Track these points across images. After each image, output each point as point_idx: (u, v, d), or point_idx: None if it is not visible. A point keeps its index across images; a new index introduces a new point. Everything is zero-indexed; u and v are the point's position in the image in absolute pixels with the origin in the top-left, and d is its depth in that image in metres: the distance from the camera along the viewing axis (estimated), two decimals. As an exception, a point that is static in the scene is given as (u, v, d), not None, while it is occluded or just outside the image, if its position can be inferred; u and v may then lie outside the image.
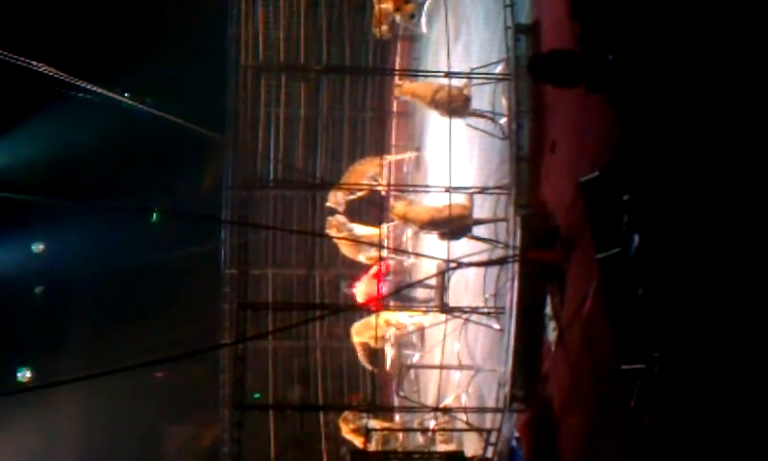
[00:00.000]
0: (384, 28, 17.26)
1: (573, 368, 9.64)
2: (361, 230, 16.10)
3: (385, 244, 15.71)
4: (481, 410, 12.08)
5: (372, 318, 14.60)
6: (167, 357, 10.00)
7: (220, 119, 18.88)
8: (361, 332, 15.20)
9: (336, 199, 15.97)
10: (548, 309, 10.35)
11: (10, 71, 13.85)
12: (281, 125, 19.46)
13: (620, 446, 8.29)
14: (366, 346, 15.36)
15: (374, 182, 15.86)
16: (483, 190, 12.45)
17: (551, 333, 10.26)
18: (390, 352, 16.04)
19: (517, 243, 10.71)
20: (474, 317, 12.35)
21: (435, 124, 15.47)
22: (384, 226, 15.79)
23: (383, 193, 15.99)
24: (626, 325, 7.50)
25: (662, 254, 7.06)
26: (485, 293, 12.41)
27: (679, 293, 6.97)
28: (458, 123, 13.02)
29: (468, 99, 12.75)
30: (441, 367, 13.20)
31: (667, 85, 7.24)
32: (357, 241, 15.77)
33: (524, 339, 10.72)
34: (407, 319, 14.90)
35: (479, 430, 11.88)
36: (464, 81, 12.78)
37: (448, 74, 12.62)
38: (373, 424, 14.32)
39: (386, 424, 14.92)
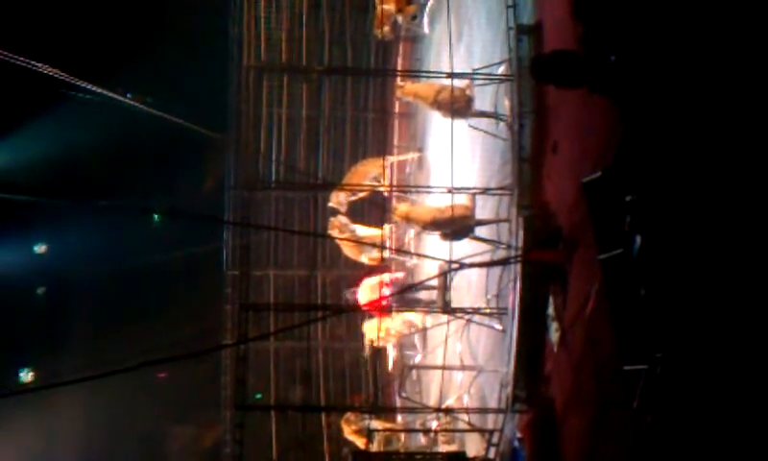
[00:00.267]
0: (386, 29, 17.26)
1: (575, 368, 9.63)
2: (363, 230, 16.10)
3: (387, 245, 15.71)
4: (483, 411, 12.07)
5: (390, 320, 14.73)
6: (169, 358, 10.02)
7: (222, 120, 18.90)
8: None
9: (338, 200, 15.96)
10: (550, 310, 10.34)
11: (11, 72, 13.84)
12: (283, 126, 19.47)
13: (622, 446, 8.28)
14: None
15: (377, 183, 15.85)
16: (485, 191, 12.44)
17: (553, 334, 10.25)
18: (392, 353, 16.06)
19: (520, 244, 10.70)
20: (476, 318, 12.35)
21: (437, 125, 15.47)
22: (386, 226, 15.79)
23: (385, 194, 15.99)
24: (628, 325, 7.50)
25: (665, 254, 7.05)
26: (487, 294, 12.41)
27: (681, 294, 6.96)
28: (460, 124, 13.01)
29: (470, 100, 12.75)
30: (443, 368, 13.19)
31: (670, 86, 7.24)
32: (359, 242, 15.77)
33: (526, 340, 10.71)
34: (419, 320, 14.99)
35: (481, 431, 11.88)
36: (466, 81, 12.77)
37: (451, 75, 12.61)
38: (376, 424, 14.32)
39: (388, 425, 14.92)
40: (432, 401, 13.97)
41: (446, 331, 12.67)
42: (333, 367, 19.48)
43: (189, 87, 21.66)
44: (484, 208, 12.59)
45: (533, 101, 11.30)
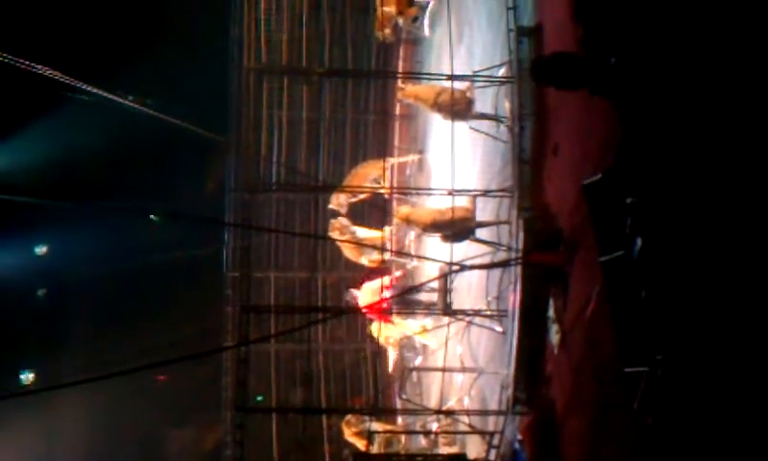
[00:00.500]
0: (387, 31, 17.29)
1: (576, 370, 9.63)
2: (364, 232, 16.11)
3: (388, 247, 15.71)
4: (484, 413, 12.07)
5: (392, 327, 14.80)
6: (169, 359, 10.00)
7: (222, 121, 18.88)
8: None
9: (339, 201, 15.97)
10: (551, 312, 10.34)
11: (12, 74, 13.84)
12: (284, 128, 19.46)
13: (623, 448, 8.28)
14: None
15: (377, 185, 15.86)
16: (486, 193, 12.44)
17: (554, 336, 10.25)
18: (393, 355, 16.07)
19: (520, 246, 10.70)
20: (477, 320, 12.35)
21: (438, 127, 15.47)
22: (387, 228, 15.79)
23: (386, 196, 15.99)
24: (629, 327, 7.49)
25: (665, 256, 7.05)
26: (487, 296, 12.41)
27: (682, 296, 6.96)
28: (461, 126, 13.01)
29: (470, 102, 12.75)
30: (443, 370, 13.20)
31: (670, 89, 7.24)
32: (360, 244, 15.78)
33: (527, 342, 10.71)
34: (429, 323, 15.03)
35: (482, 433, 11.87)
36: (466, 83, 12.78)
37: (451, 77, 12.61)
38: (376, 426, 14.32)
39: (389, 427, 14.93)
40: (433, 403, 13.98)
41: (447, 333, 12.67)
42: (334, 369, 19.48)
43: (189, 89, 21.64)
44: (484, 210, 12.59)
45: (533, 103, 11.30)
